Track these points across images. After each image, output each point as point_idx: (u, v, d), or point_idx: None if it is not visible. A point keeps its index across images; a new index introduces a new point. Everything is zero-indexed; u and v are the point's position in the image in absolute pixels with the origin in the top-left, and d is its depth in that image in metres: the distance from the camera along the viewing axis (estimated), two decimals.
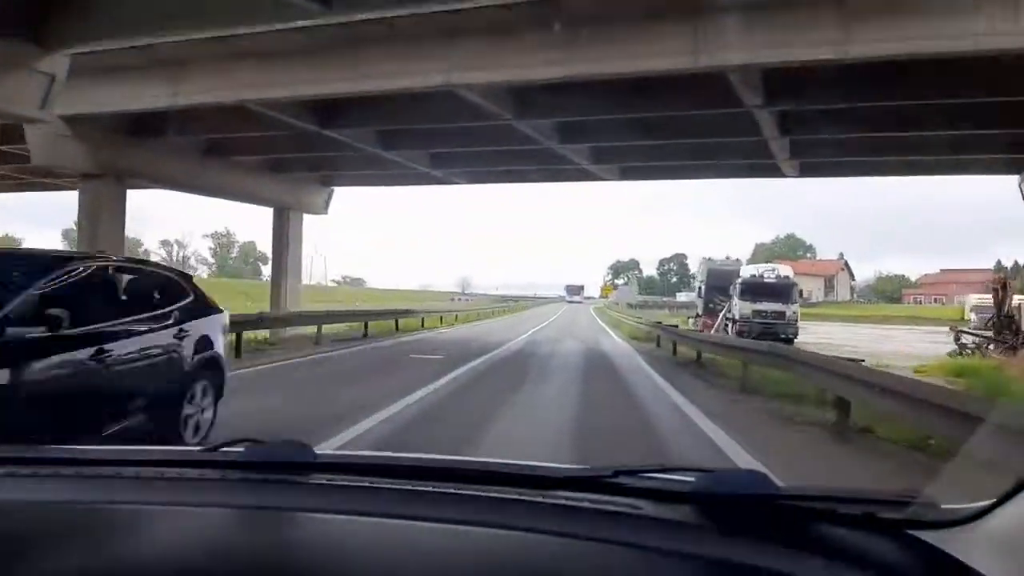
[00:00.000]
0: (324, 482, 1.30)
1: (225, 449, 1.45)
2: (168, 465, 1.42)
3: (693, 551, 1.05)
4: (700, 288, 34.32)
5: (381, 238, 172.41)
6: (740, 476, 1.39)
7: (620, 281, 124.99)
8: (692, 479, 1.25)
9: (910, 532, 1.11)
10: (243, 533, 1.13)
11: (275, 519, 1.17)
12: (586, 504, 1.20)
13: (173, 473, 1.36)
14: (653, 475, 1.29)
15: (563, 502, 1.20)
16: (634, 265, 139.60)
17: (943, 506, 1.16)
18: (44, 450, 1.50)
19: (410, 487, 1.25)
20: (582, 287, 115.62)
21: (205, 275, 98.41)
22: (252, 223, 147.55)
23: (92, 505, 1.21)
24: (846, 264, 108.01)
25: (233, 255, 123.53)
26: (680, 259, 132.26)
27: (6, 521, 1.15)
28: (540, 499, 1.21)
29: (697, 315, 33.41)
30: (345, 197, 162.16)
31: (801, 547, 1.06)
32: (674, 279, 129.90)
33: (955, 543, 1.06)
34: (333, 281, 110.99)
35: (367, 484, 1.28)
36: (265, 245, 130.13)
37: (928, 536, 1.09)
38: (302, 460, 1.37)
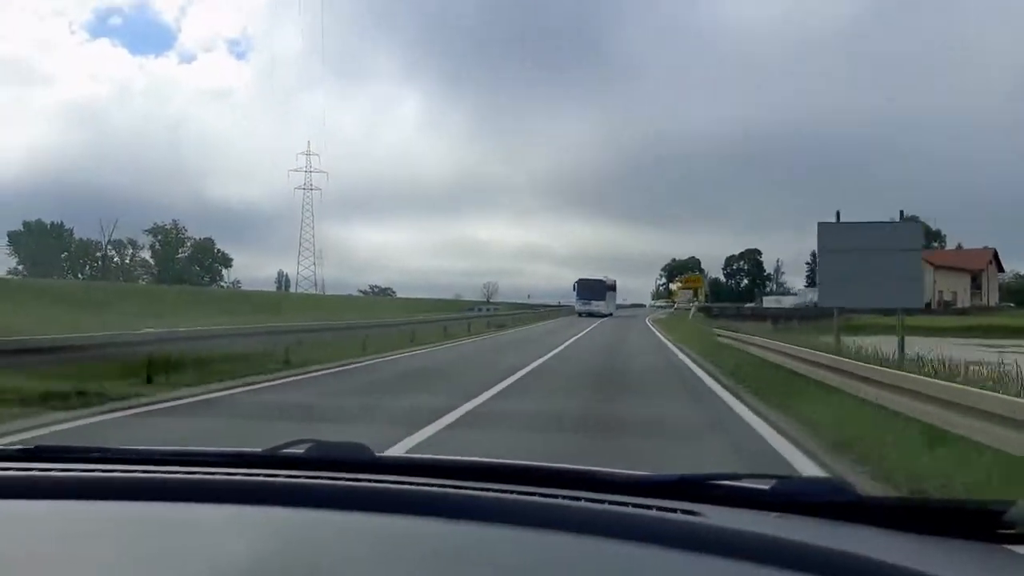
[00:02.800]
0: (388, 484, 1.30)
1: (288, 450, 1.49)
2: (234, 465, 1.43)
3: (772, 562, 0.99)
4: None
5: (410, 243, 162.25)
6: (820, 482, 1.39)
7: (675, 285, 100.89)
8: (766, 487, 1.24)
9: (1005, 545, 1.10)
10: (305, 534, 1.14)
11: (335, 520, 1.18)
12: (653, 509, 1.17)
13: (241, 473, 1.36)
14: (724, 482, 1.27)
15: (630, 509, 1.17)
16: (694, 265, 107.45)
17: None
18: (112, 450, 1.52)
19: (471, 489, 1.26)
20: (608, 284, 63.67)
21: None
22: (212, 214, 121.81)
23: (157, 505, 1.23)
24: (995, 256, 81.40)
25: (182, 254, 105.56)
26: (753, 256, 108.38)
27: (71, 519, 1.19)
28: (606, 504, 1.19)
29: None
30: (369, 202, 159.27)
31: (889, 559, 1.00)
32: (745, 281, 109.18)
33: None
34: (360, 291, 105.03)
35: (429, 485, 1.27)
36: (228, 241, 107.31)
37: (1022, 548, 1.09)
38: (363, 459, 1.43)
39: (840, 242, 14.13)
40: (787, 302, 73.75)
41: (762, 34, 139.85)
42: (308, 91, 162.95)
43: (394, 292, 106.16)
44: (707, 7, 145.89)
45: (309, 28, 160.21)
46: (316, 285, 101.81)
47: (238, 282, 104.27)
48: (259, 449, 1.53)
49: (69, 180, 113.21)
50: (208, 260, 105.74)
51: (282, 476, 1.34)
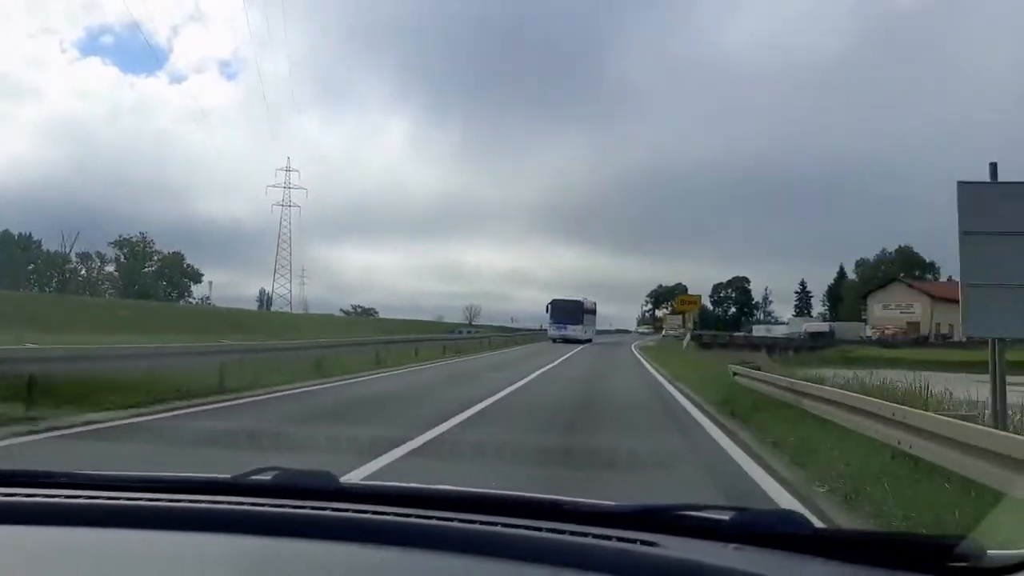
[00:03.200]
0: (353, 513, 1.31)
1: (255, 477, 1.50)
2: (200, 491, 1.43)
3: None
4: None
5: (398, 264, 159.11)
6: (777, 515, 1.44)
7: (663, 311, 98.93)
8: (726, 518, 1.28)
9: None
10: (271, 562, 1.18)
11: (302, 549, 1.19)
12: (614, 540, 1.19)
13: (205, 500, 1.38)
14: (684, 512, 1.30)
15: (591, 540, 1.19)
16: (681, 291, 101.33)
17: (989, 551, 1.15)
18: (77, 475, 1.51)
19: (434, 518, 1.27)
20: (586, 307, 55.43)
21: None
22: (193, 232, 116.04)
23: (124, 531, 1.25)
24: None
25: (149, 268, 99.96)
26: (740, 284, 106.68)
27: (37, 546, 1.20)
28: (566, 534, 1.20)
29: None
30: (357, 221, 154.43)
31: None
32: (732, 309, 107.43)
33: None
34: (343, 311, 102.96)
35: (392, 514, 1.29)
36: (200, 257, 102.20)
37: None
38: (329, 487, 1.43)
39: (999, 219, 7.74)
40: (778, 331, 71.34)
41: (754, 61, 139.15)
42: (296, 112, 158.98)
43: (376, 312, 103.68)
44: (700, 33, 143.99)
45: (297, 50, 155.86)
46: (293, 304, 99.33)
47: (208, 298, 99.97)
48: (226, 475, 1.54)
49: (40, 193, 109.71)
50: (176, 275, 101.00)
51: (247, 504, 1.35)
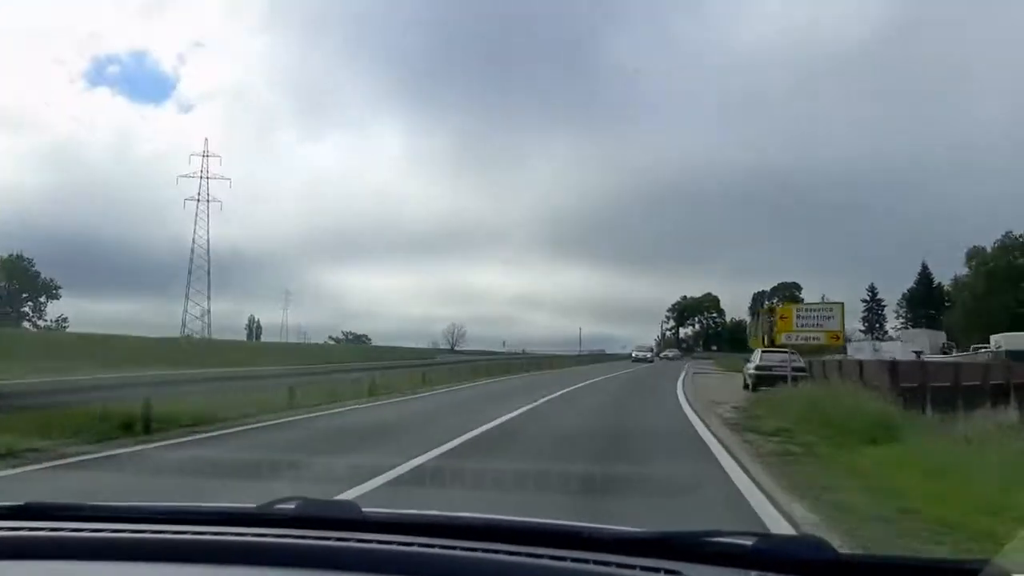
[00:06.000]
0: (376, 544, 1.31)
1: (279, 507, 1.52)
2: (224, 523, 1.44)
3: None
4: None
5: (387, 288, 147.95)
6: (799, 541, 1.60)
7: (688, 330, 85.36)
8: (748, 543, 1.26)
9: None
10: None
11: None
12: (637, 569, 1.18)
13: (230, 532, 1.39)
14: (708, 539, 1.28)
15: (614, 569, 1.18)
16: (712, 302, 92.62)
17: (1013, 575, 1.15)
18: (104, 507, 1.54)
19: (458, 548, 1.28)
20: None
21: None
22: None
23: (152, 566, 1.25)
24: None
25: None
26: (790, 291, 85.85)
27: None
28: (591, 563, 1.20)
29: None
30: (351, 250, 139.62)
31: None
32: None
33: None
34: (331, 339, 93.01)
35: (417, 545, 1.30)
36: (52, 264, 77.45)
37: None
38: (352, 517, 1.46)
39: None
40: (889, 349, 44.16)
41: (768, 66, 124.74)
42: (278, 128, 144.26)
43: (369, 339, 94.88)
44: (714, 40, 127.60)
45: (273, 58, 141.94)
46: (276, 329, 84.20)
47: (64, 319, 78.51)
48: (250, 505, 1.54)
49: None
50: (16, 287, 77.53)
51: (271, 535, 1.36)
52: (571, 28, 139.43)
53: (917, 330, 57.64)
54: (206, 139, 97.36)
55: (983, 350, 34.94)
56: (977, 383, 23.17)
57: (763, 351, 23.69)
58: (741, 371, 27.18)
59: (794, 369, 19.25)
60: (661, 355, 75.80)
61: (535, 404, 16.85)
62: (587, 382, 27.74)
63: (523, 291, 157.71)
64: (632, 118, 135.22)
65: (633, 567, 1.17)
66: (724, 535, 1.29)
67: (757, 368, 23.26)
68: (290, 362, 22.47)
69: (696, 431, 12.32)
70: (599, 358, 63.37)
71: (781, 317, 20.91)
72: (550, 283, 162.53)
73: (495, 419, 13.03)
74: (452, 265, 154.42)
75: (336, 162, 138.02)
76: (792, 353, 20.24)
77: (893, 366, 21.71)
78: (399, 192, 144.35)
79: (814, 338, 19.86)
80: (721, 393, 21.86)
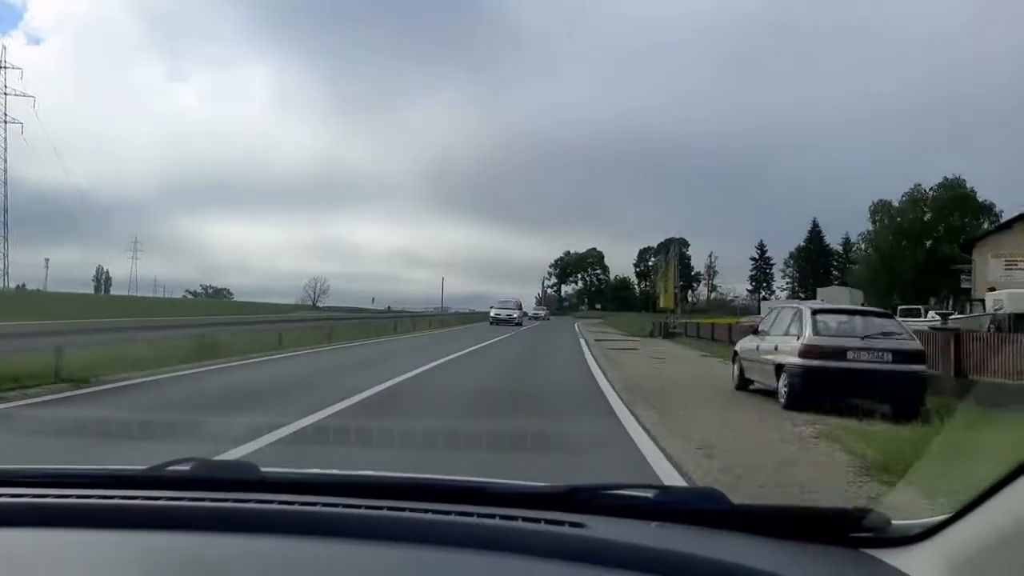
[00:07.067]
0: (274, 504, 1.27)
1: (172, 468, 1.44)
2: (112, 485, 1.37)
3: (651, 571, 1.06)
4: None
5: (256, 240, 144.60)
6: (697, 492, 1.63)
7: (570, 288, 78.72)
8: (650, 495, 1.33)
9: (862, 549, 1.19)
10: (190, 559, 1.11)
11: (226, 544, 1.16)
12: (542, 523, 1.20)
13: (120, 495, 1.31)
14: (610, 491, 1.34)
15: (520, 523, 1.20)
16: (596, 258, 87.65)
17: (895, 522, 1.21)
18: None
19: (361, 507, 1.26)
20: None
21: None
22: None
23: (32, 531, 1.17)
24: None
25: None
26: (677, 248, 60.56)
27: None
28: (497, 519, 1.21)
29: None
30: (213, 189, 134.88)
31: (754, 564, 1.08)
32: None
33: (906, 560, 1.12)
34: (188, 292, 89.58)
35: (318, 504, 1.26)
36: None
37: (879, 553, 1.17)
38: (250, 478, 1.38)
39: None
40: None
41: (671, 19, 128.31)
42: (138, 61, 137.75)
43: (231, 294, 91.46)
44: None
45: None
46: (114, 281, 77.72)
47: None
48: (140, 467, 1.45)
49: None
50: None
51: (164, 498, 1.29)
52: None
53: (837, 287, 50.11)
54: (3, 46, 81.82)
55: (975, 315, 23.77)
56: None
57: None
58: (649, 333, 19.79)
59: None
60: (531, 314, 62.23)
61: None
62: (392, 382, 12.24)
63: (403, 247, 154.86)
64: (526, 73, 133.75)
65: (538, 520, 1.20)
66: (626, 487, 1.36)
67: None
68: (90, 316, 16.78)
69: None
70: (468, 318, 50.34)
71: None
72: (432, 240, 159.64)
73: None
74: (328, 217, 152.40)
75: (201, 102, 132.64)
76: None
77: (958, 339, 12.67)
78: (270, 137, 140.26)
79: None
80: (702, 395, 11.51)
